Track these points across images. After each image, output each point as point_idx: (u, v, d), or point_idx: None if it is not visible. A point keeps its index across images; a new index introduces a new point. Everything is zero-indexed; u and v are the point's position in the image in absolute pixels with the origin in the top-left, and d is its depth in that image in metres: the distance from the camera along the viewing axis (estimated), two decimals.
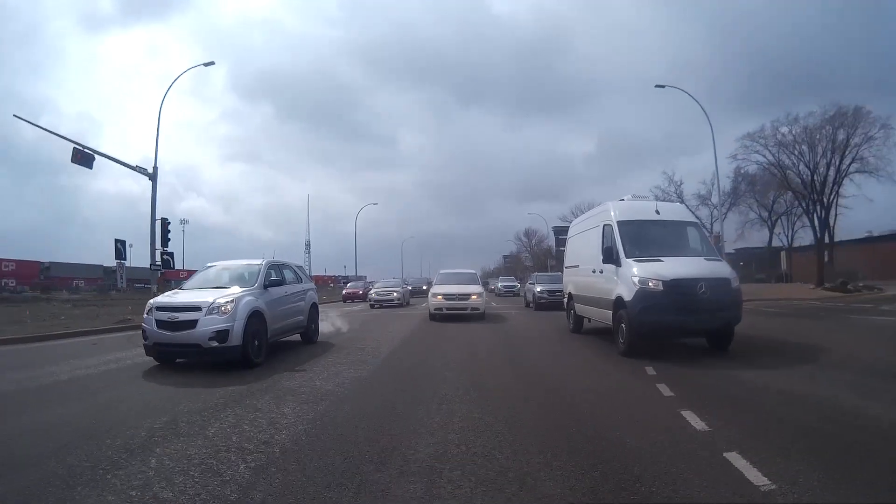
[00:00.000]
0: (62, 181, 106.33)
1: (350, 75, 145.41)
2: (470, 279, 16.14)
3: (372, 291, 25.45)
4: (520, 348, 8.97)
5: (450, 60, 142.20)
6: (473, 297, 14.45)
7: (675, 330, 7.61)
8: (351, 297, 31.87)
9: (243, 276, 8.36)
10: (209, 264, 9.20)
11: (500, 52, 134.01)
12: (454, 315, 14.14)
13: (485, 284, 20.98)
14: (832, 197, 28.80)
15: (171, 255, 20.00)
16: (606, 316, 8.57)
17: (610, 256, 8.22)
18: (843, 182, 28.19)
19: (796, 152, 28.12)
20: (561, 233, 61.55)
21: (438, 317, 14.31)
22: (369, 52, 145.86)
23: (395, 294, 23.73)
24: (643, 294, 7.38)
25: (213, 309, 7.00)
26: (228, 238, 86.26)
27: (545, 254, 57.36)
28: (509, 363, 7.41)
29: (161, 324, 7.06)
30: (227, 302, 7.14)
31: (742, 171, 31.16)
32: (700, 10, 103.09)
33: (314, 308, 10.12)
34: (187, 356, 7.34)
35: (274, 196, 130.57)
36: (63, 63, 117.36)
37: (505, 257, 78.76)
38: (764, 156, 28.52)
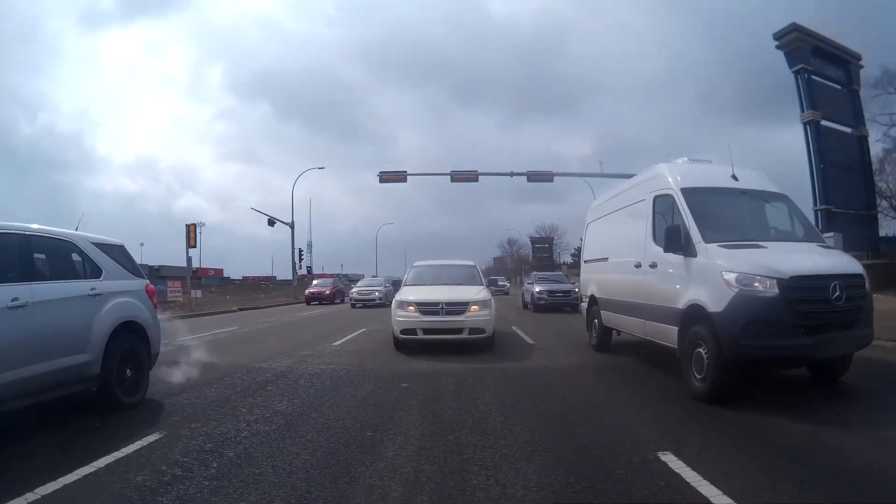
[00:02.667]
0: (59, 178, 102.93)
1: (348, 75, 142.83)
2: (465, 276, 9.29)
3: (354, 290, 24.45)
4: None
5: (448, 61, 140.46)
6: (473, 307, 7.82)
7: (797, 359, 4.73)
8: (316, 299, 26.26)
9: None
10: None
11: (499, 52, 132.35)
12: (438, 341, 7.87)
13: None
14: None
15: (310, 267, 40.29)
16: (663, 333, 5.62)
17: (675, 241, 5.26)
18: None
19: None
20: (537, 242, 66.29)
21: (410, 343, 8.08)
22: (367, 52, 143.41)
23: (376, 293, 22.68)
24: (746, 301, 4.44)
25: None
26: (226, 236, 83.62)
27: (523, 260, 66.12)
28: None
29: None
30: None
31: None
32: (698, 14, 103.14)
33: (131, 331, 4.88)
34: None
35: (270, 195, 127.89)
36: (62, 60, 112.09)
37: (494, 259, 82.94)
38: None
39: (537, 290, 17.82)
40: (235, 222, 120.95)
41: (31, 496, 2.71)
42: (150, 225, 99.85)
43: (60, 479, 2.92)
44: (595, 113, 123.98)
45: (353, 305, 22.47)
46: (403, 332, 7.95)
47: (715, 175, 6.04)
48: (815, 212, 21.00)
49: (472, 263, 10.32)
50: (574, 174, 29.92)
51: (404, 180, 26.63)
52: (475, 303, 7.92)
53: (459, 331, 7.77)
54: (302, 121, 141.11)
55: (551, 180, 26.42)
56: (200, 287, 32.24)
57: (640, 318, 6.19)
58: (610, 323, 7.45)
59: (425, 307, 7.86)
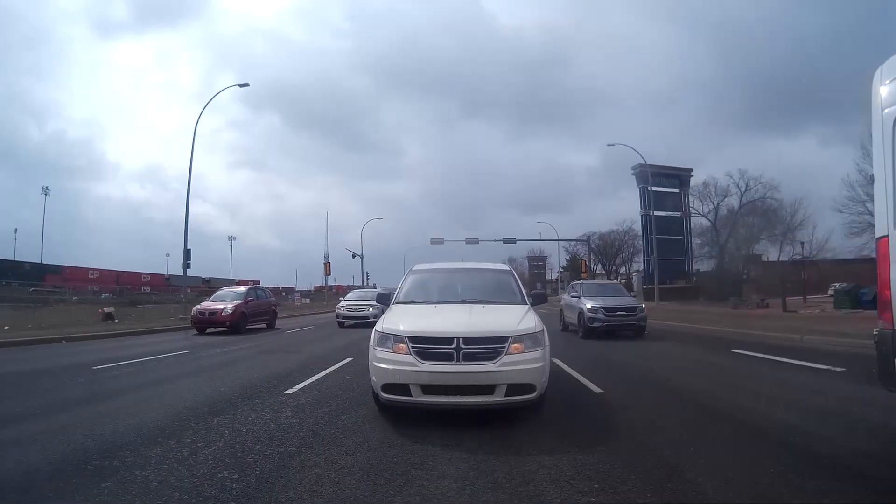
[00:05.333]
0: (67, 184, 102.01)
1: (356, 86, 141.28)
2: (496, 288, 5.77)
3: (342, 304, 19.03)
4: None
5: (455, 72, 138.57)
6: (515, 346, 4.22)
7: None
8: (208, 323, 15.34)
9: None
10: None
11: (505, 64, 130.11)
12: (453, 409, 4.31)
13: None
14: (623, 260, 54.68)
15: (374, 284, 43.31)
16: None
17: None
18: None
19: (599, 246, 54.58)
20: (533, 261, 75.34)
21: (405, 410, 4.45)
22: (375, 63, 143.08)
23: (370, 309, 17.13)
24: None
25: None
26: (234, 245, 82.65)
27: (521, 276, 73.35)
28: None
29: None
30: None
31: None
32: (703, 27, 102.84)
33: None
34: None
35: (279, 204, 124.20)
36: (72, 68, 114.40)
37: None
38: (590, 246, 49.00)
39: (589, 305, 12.57)
40: (244, 231, 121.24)
41: None
42: (158, 232, 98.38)
43: None
44: (601, 124, 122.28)
45: (342, 324, 17.77)
46: (387, 388, 4.30)
47: None
48: (646, 260, 38.27)
49: (506, 268, 6.63)
50: (539, 239, 49.91)
51: (442, 243, 41.48)
52: (518, 337, 4.29)
53: (489, 390, 4.15)
54: (310, 130, 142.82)
55: (513, 241, 43.01)
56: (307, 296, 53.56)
57: None
58: None
59: (427, 345, 4.25)
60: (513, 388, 4.15)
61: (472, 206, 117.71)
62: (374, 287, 42.23)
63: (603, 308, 12.41)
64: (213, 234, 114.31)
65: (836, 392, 5.32)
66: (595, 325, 12.26)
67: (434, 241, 41.71)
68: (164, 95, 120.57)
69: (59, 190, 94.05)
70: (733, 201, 37.69)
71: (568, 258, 59.48)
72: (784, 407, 4.81)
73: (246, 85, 25.53)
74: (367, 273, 51.36)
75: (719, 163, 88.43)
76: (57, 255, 50.18)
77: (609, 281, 16.66)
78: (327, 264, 43.22)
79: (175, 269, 59.87)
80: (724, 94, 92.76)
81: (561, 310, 15.64)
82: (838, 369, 6.77)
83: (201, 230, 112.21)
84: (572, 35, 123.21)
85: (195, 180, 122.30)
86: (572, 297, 14.49)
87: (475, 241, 41.50)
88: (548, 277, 73.95)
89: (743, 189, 37.08)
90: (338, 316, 18.39)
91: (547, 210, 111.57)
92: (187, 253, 21.32)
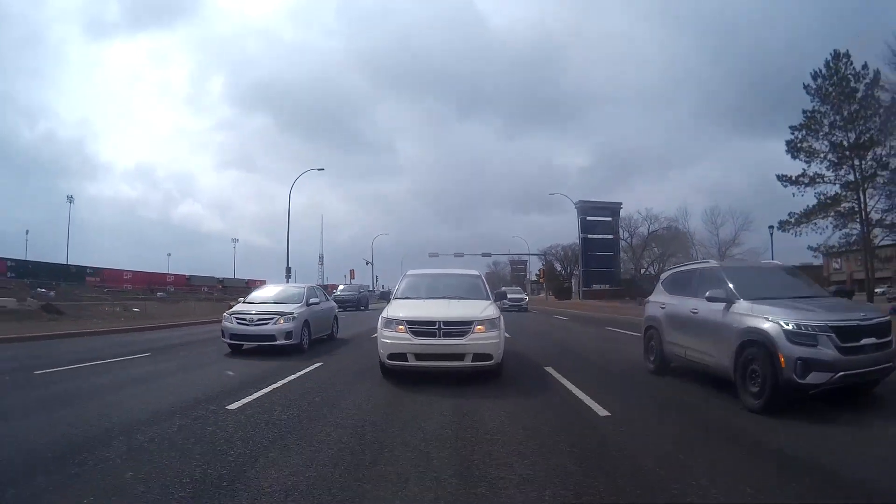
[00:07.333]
0: (60, 184, 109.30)
1: (348, 86, 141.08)
2: (468, 288, 8.00)
3: (234, 310, 10.63)
4: None
5: (448, 72, 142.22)
6: (478, 328, 6.50)
7: None
8: None
9: None
10: None
11: (498, 64, 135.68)
12: (435, 371, 6.57)
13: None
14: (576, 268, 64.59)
15: (383, 285, 57.42)
16: None
17: None
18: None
19: (562, 256, 69.42)
20: (515, 264, 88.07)
21: (399, 371, 6.73)
22: (368, 63, 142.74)
23: (280, 321, 9.78)
24: None
25: None
26: (226, 244, 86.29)
27: (502, 279, 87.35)
28: None
29: None
30: None
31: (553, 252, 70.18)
32: (695, 25, 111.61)
33: None
34: None
35: (269, 204, 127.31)
36: (65, 69, 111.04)
37: (485, 274, 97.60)
38: (546, 259, 63.66)
39: (790, 324, 4.69)
40: (234, 231, 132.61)
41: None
42: (151, 232, 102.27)
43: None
44: (593, 122, 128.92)
45: (237, 347, 10.04)
46: (391, 357, 6.63)
47: None
48: (583, 270, 55.92)
49: (475, 273, 9.26)
50: (524, 254, 65.58)
51: (437, 256, 53.46)
52: (481, 322, 6.55)
53: (461, 357, 6.42)
54: (301, 130, 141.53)
55: (489, 255, 62.60)
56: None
57: None
58: None
59: (418, 326, 6.50)
60: (477, 357, 6.45)
61: (465, 205, 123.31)
62: (322, 285, 31.30)
63: (829, 330, 4.68)
64: (205, 234, 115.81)
65: None
66: (812, 380, 4.57)
67: (431, 255, 56.00)
68: (156, 96, 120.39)
69: (52, 190, 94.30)
70: (644, 230, 55.21)
71: (543, 263, 67.97)
72: None
73: (321, 169, 34.88)
74: (377, 276, 58.58)
75: (712, 159, 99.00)
76: (57, 255, 52.13)
77: (770, 262, 7.99)
78: (353, 271, 55.99)
79: (174, 268, 62.83)
80: (716, 89, 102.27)
81: (650, 327, 7.73)
82: None
83: (193, 230, 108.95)
84: (565, 35, 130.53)
85: (185, 182, 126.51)
86: (713, 299, 5.82)
87: (461, 255, 57.23)
88: (529, 279, 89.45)
89: (650, 222, 55.28)
90: (224, 332, 10.07)
91: (539, 210, 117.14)
92: (288, 270, 31.79)
